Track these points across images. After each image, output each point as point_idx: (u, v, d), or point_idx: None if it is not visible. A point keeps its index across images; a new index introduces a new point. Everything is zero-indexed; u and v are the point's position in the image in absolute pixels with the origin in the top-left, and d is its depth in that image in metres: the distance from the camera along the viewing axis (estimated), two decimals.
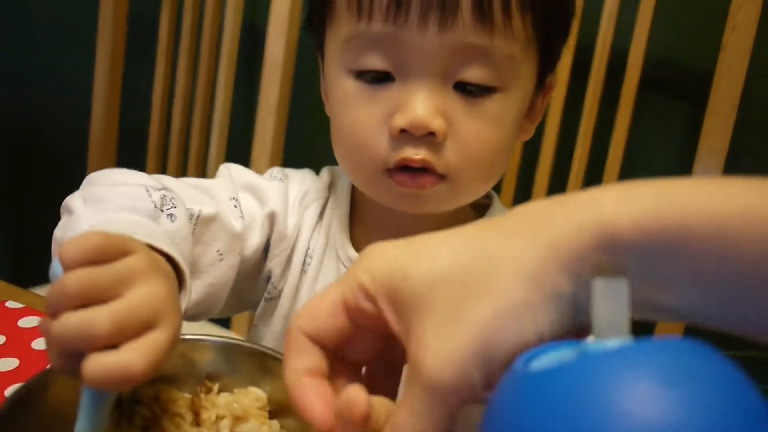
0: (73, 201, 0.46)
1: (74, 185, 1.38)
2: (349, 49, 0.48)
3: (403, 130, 0.47)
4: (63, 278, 0.32)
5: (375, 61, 0.47)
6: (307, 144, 1.23)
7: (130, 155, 1.34)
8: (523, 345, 0.25)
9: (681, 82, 1.02)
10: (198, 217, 0.50)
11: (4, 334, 0.56)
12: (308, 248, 0.58)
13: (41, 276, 1.27)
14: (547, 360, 0.21)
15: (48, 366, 0.36)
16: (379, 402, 0.30)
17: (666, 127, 1.04)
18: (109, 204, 0.44)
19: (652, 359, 0.19)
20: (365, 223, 0.58)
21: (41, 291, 1.19)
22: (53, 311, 0.32)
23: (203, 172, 1.23)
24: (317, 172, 0.63)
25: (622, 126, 0.96)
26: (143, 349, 0.31)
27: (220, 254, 0.52)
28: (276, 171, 0.60)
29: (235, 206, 0.54)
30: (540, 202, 0.29)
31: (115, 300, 0.32)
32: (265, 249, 0.57)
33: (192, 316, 0.53)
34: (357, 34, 0.47)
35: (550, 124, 0.99)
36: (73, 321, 0.31)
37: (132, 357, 0.31)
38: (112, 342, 0.31)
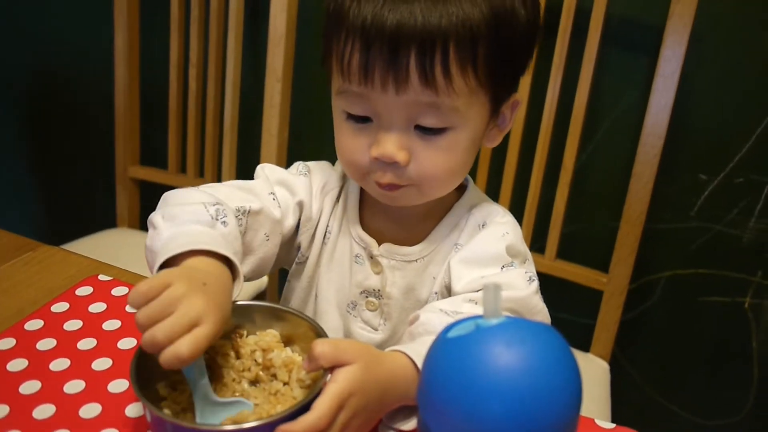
0: (156, 218, 0.62)
1: (105, 146, 1.57)
2: (341, 98, 0.64)
3: (376, 158, 0.63)
4: (136, 315, 0.50)
5: (358, 109, 0.63)
6: (311, 106, 1.32)
7: (153, 118, 1.46)
8: None
9: (639, 36, 1.13)
10: (249, 211, 0.67)
11: (104, 302, 0.71)
12: (327, 226, 0.75)
13: (74, 231, 1.40)
14: (458, 330, 0.38)
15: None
16: None
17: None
18: (180, 220, 0.60)
19: (503, 332, 0.38)
20: (371, 207, 0.74)
21: (74, 246, 1.30)
22: (140, 330, 0.50)
23: (220, 131, 1.36)
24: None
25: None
26: (188, 341, 0.49)
27: (267, 236, 0.69)
28: (301, 166, 0.75)
29: (273, 199, 0.71)
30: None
31: (168, 317, 0.49)
32: (297, 227, 0.74)
33: (249, 278, 0.71)
34: (344, 89, 0.63)
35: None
36: (147, 337, 0.49)
37: (181, 348, 0.48)
38: (170, 343, 0.48)
